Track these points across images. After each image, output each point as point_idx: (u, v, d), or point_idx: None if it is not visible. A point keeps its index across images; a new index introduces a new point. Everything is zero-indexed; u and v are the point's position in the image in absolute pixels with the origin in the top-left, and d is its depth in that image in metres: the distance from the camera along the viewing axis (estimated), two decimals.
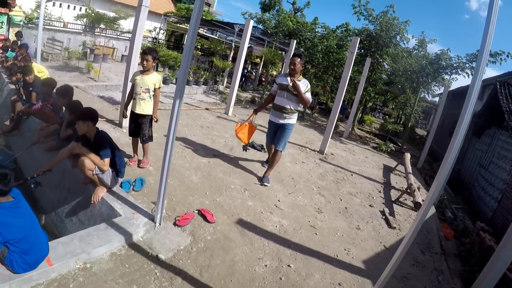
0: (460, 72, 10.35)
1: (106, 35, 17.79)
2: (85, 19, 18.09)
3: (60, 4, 19.28)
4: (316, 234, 3.72)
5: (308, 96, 4.54)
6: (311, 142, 8.30)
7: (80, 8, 20.12)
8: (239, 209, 3.80)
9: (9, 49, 10.35)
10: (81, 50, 14.25)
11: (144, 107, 4.07)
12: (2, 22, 13.57)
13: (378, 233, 4.16)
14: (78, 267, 2.42)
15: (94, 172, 3.25)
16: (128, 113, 4.28)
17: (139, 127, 4.17)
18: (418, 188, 5.78)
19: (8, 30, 13.84)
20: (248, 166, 5.27)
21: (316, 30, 13.73)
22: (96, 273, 2.42)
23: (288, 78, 4.46)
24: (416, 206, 5.32)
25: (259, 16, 18.24)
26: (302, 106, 4.44)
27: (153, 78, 4.08)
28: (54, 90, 5.23)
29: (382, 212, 4.87)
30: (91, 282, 2.32)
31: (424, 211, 2.13)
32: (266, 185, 4.67)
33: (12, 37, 12.86)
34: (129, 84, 4.33)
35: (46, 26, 14.83)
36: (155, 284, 2.45)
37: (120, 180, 3.55)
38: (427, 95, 14.34)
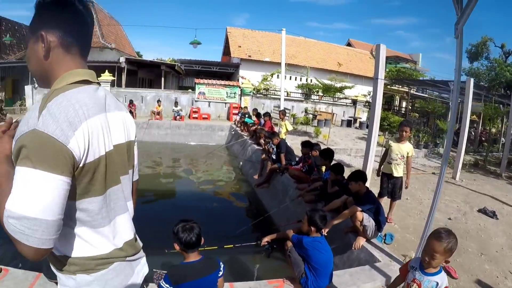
0: None
1: (325, 101, 19.66)
2: (305, 89, 20.10)
3: (285, 76, 21.84)
4: None
5: None
6: None
7: (296, 78, 22.75)
8: (476, 270, 3.89)
9: (246, 116, 13.05)
10: (304, 116, 15.99)
11: (399, 171, 4.72)
12: (235, 93, 17.52)
13: None
14: None
15: (362, 223, 3.76)
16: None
17: (393, 187, 4.79)
18: None
19: (240, 99, 17.45)
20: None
21: None
22: None
23: None
24: None
25: (470, 68, 16.92)
26: None
27: (408, 147, 4.73)
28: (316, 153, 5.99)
29: None
30: None
31: None
32: None
33: (244, 105, 16.22)
34: (382, 149, 5.09)
35: (272, 96, 17.59)
36: None
37: (379, 233, 4.04)
38: None
